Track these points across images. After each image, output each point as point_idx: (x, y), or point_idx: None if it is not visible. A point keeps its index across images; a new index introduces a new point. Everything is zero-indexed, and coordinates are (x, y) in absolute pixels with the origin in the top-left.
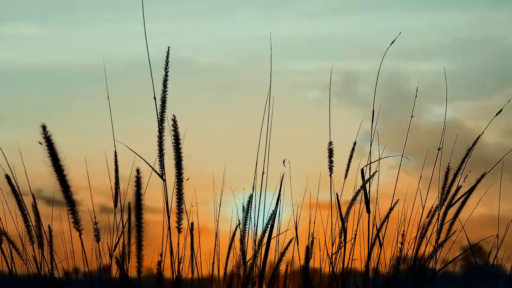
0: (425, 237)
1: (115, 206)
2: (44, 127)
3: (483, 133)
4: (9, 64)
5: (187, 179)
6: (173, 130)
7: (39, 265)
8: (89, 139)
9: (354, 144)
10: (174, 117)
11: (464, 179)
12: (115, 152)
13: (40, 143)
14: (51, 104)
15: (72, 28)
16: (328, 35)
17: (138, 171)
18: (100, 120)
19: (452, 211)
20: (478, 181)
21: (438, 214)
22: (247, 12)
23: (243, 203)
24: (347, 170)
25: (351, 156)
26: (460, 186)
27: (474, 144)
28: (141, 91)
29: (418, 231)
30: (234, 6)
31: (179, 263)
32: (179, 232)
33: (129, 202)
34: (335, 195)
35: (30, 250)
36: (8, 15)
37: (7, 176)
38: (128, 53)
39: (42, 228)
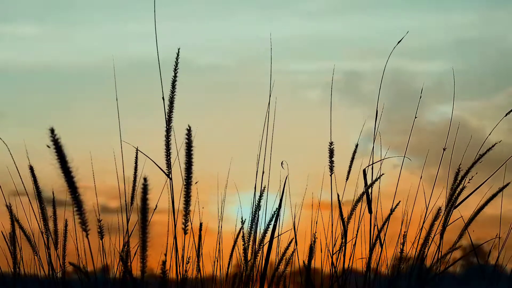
0: (429, 237)
1: (132, 203)
2: (52, 130)
3: (499, 141)
4: (9, 64)
5: (196, 182)
6: (187, 138)
7: (53, 264)
8: (89, 139)
9: (356, 146)
10: (189, 127)
11: (469, 180)
12: (137, 150)
13: (48, 146)
14: (50, 104)
15: (72, 28)
16: (328, 35)
17: (145, 179)
18: (100, 120)
19: (457, 214)
20: (479, 185)
21: (443, 216)
22: (247, 12)
23: (240, 203)
24: (348, 172)
25: (353, 158)
26: (465, 187)
27: (488, 150)
28: (141, 91)
29: (420, 231)
30: (234, 6)
31: (186, 263)
32: (185, 233)
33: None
34: (337, 195)
35: (41, 249)
36: (8, 15)
37: (31, 167)
38: (127, 54)
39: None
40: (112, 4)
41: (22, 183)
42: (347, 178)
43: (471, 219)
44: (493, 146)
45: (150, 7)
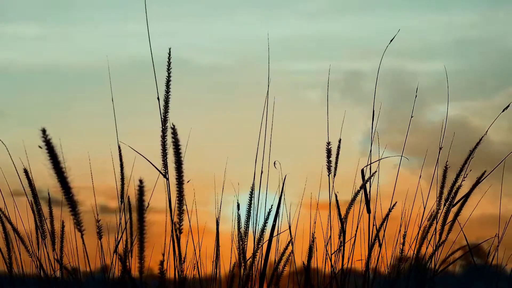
0: (427, 238)
1: (121, 203)
2: (44, 131)
3: (486, 133)
4: (9, 64)
5: (188, 181)
6: (173, 137)
7: (47, 265)
8: (88, 139)
9: (339, 141)
10: (174, 126)
11: (464, 177)
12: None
13: (40, 147)
14: (50, 104)
15: (72, 28)
16: (328, 35)
17: (141, 181)
18: (99, 120)
19: (453, 210)
20: (476, 184)
21: (439, 215)
22: (247, 12)
23: (238, 201)
24: (335, 168)
25: (337, 153)
26: (461, 186)
27: (477, 145)
28: (141, 91)
29: (419, 231)
30: (234, 6)
31: (182, 262)
32: (180, 233)
33: (128, 199)
34: (335, 195)
35: (36, 250)
36: (8, 15)
37: (25, 170)
38: (127, 54)
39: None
40: (112, 4)
41: (22, 183)
42: (333, 174)
43: (460, 209)
44: (480, 140)
45: (151, 7)
